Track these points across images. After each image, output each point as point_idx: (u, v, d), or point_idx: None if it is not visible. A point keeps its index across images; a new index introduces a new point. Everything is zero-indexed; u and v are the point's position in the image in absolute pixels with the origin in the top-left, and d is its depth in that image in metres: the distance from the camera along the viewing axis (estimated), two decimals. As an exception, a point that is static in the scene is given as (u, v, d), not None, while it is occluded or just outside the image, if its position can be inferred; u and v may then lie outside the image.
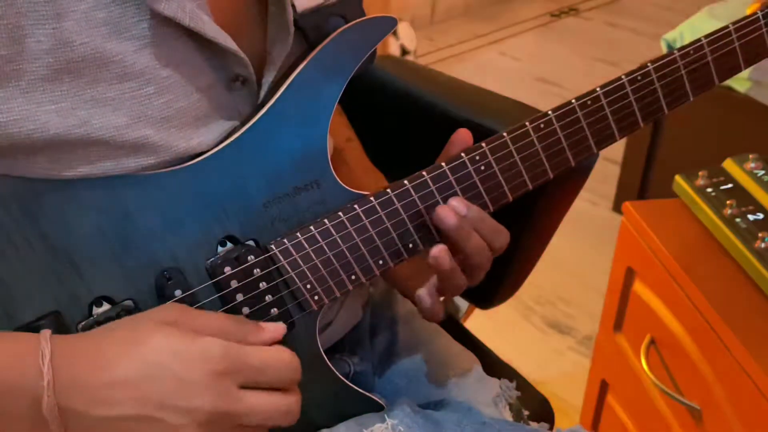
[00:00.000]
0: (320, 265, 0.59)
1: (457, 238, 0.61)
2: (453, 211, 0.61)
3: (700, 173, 1.02)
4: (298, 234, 0.59)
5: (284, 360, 0.54)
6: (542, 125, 0.63)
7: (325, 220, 0.59)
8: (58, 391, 0.48)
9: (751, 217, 0.94)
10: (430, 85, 0.95)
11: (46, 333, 0.50)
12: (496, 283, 0.92)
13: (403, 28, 2.70)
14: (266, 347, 0.54)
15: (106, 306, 0.55)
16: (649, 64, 0.65)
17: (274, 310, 0.59)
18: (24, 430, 0.50)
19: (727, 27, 0.67)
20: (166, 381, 0.49)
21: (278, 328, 0.56)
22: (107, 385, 0.49)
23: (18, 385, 0.48)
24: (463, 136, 0.64)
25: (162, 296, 0.56)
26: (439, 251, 0.60)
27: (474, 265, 0.63)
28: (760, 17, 0.68)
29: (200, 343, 0.50)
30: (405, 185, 0.61)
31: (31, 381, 0.48)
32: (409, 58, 2.66)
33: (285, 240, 0.58)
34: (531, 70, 2.88)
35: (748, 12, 0.69)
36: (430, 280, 0.64)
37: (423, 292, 0.65)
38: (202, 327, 0.52)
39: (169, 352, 0.50)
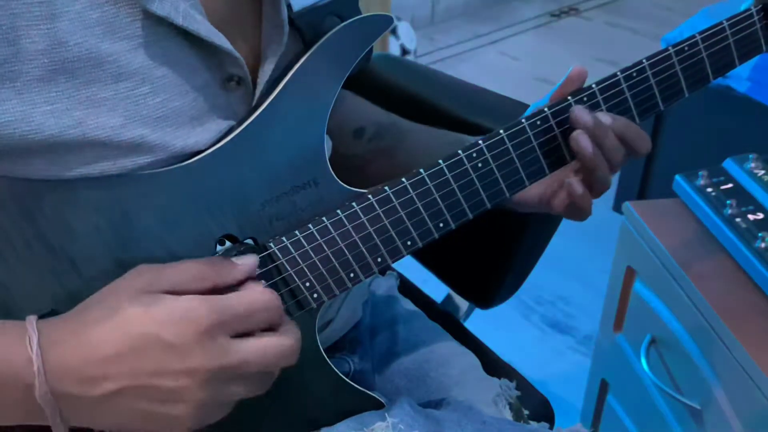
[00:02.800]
0: (319, 264, 0.59)
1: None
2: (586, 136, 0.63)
3: (700, 173, 1.02)
4: (297, 232, 0.59)
5: (265, 302, 0.53)
6: (539, 122, 0.64)
7: (324, 218, 0.59)
8: (50, 376, 0.48)
9: (751, 217, 0.94)
10: (430, 85, 0.96)
11: (32, 319, 0.50)
12: (496, 283, 0.92)
13: (403, 28, 2.71)
14: (247, 291, 0.53)
15: (104, 305, 0.55)
16: (644, 61, 0.66)
17: (273, 309, 0.59)
18: (19, 418, 0.50)
19: (721, 23, 0.67)
20: (156, 349, 0.49)
21: (250, 261, 0.55)
22: (96, 364, 0.49)
23: (8, 373, 0.48)
24: (579, 72, 0.65)
25: (160, 295, 0.56)
26: (578, 134, 0.62)
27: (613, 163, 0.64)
28: (754, 13, 0.68)
29: (181, 304, 0.50)
30: (403, 183, 0.61)
31: (21, 369, 0.48)
32: (409, 58, 2.67)
33: (283, 238, 0.58)
34: (531, 70, 2.88)
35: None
36: (575, 175, 0.65)
37: (573, 179, 0.65)
38: (177, 282, 0.51)
39: (152, 320, 0.49)
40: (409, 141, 0.75)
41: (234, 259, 0.55)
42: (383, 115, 0.79)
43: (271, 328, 0.53)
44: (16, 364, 0.48)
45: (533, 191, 0.68)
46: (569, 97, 0.64)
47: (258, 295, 0.53)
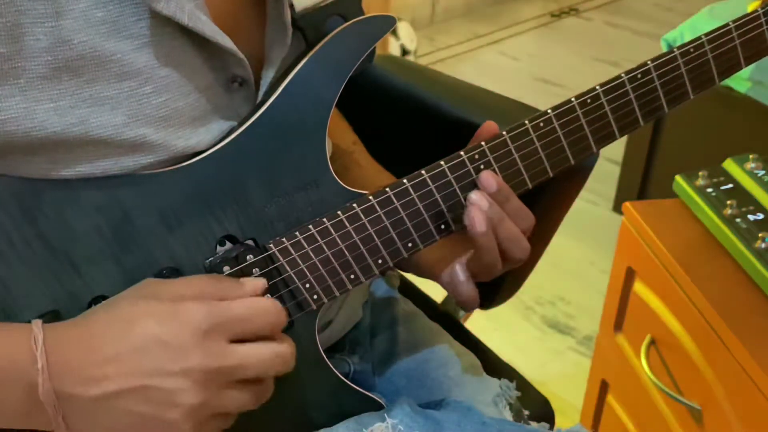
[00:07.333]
0: (319, 265, 0.59)
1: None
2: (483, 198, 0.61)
3: (700, 173, 1.01)
4: (297, 233, 0.59)
5: (266, 306, 0.54)
6: (542, 124, 0.63)
7: (324, 220, 0.59)
8: (53, 374, 0.49)
9: (751, 217, 0.94)
10: (430, 85, 0.95)
11: (38, 321, 0.50)
12: (496, 284, 0.92)
13: (403, 28, 2.70)
14: (246, 298, 0.54)
15: (104, 306, 0.55)
16: (649, 62, 0.65)
17: (273, 309, 0.59)
18: (20, 417, 0.50)
19: (727, 25, 0.67)
20: (154, 349, 0.50)
21: (257, 283, 0.56)
22: (97, 364, 0.49)
23: (12, 371, 0.49)
24: (489, 128, 0.64)
25: (160, 296, 0.56)
26: (472, 208, 0.60)
27: (505, 251, 0.63)
28: (761, 14, 0.68)
29: (181, 307, 0.51)
30: (404, 184, 0.61)
31: (25, 367, 0.49)
32: (409, 58, 2.66)
33: (284, 239, 0.58)
34: (531, 70, 2.88)
35: (750, 9, 0.69)
36: (464, 256, 0.64)
37: (457, 267, 0.64)
38: (182, 293, 0.52)
39: (152, 321, 0.50)
40: (350, 175, 0.74)
41: (242, 279, 0.56)
42: (349, 141, 0.79)
43: (268, 337, 0.54)
44: (21, 363, 0.49)
45: (430, 258, 0.68)
46: (572, 99, 0.64)
47: (256, 301, 0.54)
